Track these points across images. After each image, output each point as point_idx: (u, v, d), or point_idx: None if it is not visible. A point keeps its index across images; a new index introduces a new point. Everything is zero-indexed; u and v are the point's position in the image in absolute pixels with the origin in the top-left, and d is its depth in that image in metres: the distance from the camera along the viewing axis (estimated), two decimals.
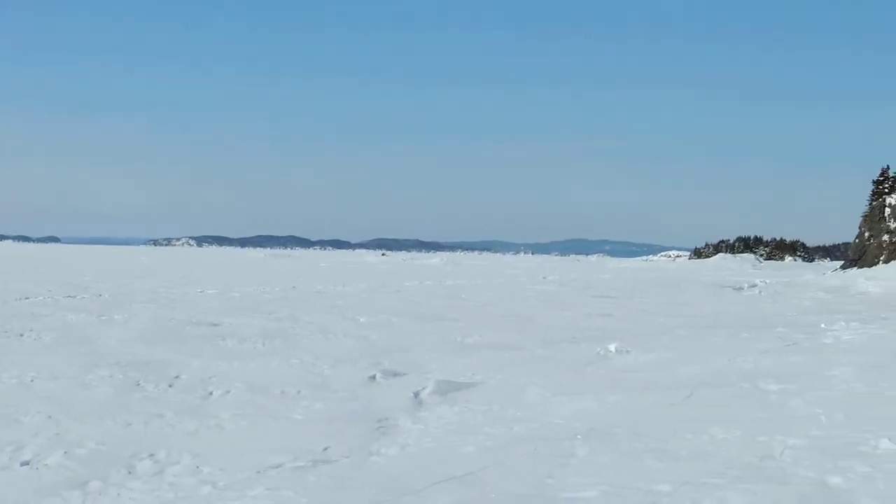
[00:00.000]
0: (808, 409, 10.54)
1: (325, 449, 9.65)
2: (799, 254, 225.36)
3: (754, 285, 54.30)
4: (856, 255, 71.69)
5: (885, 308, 31.26)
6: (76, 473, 8.71)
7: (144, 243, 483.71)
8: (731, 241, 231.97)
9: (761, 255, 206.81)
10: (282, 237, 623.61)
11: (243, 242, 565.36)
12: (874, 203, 71.63)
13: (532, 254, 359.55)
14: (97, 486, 8.33)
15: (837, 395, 11.46)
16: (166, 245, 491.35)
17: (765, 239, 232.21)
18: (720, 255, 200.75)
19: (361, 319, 24.85)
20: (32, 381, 13.57)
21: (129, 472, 8.78)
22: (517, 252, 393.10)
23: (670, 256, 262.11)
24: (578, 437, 9.57)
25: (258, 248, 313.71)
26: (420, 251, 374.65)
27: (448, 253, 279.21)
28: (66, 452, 9.42)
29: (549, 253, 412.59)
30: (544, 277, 64.31)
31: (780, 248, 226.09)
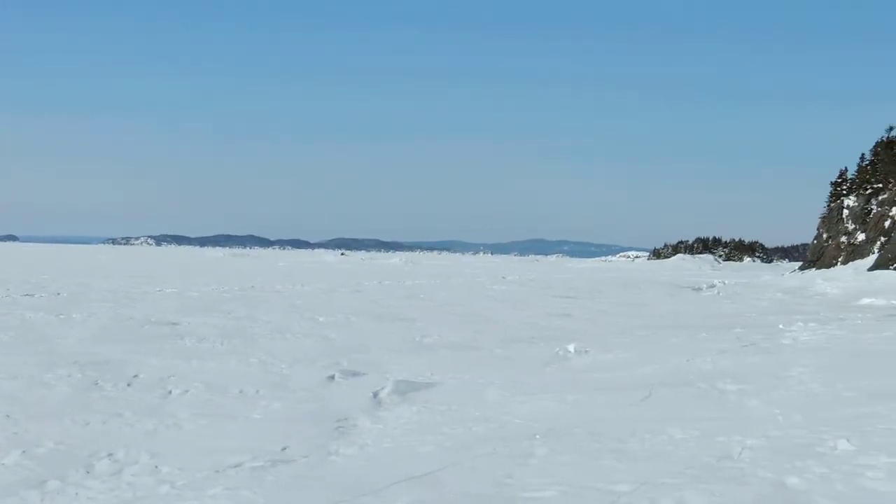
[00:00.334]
0: (766, 410, 10.62)
1: (284, 449, 9.62)
2: (758, 255, 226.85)
3: (713, 286, 54.75)
4: (814, 257, 72.48)
5: (843, 309, 31.52)
6: (34, 473, 8.62)
7: (103, 242, 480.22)
8: (690, 242, 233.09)
9: (720, 256, 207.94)
10: (241, 236, 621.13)
11: (202, 242, 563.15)
12: (832, 205, 72.41)
13: (492, 254, 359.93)
14: (55, 485, 8.26)
15: (795, 395, 11.56)
16: (125, 244, 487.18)
17: (724, 240, 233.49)
18: (679, 255, 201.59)
19: (320, 319, 24.79)
20: None
21: (88, 472, 8.71)
22: (477, 252, 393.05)
23: (629, 257, 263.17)
24: (537, 437, 9.58)
25: (217, 248, 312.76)
26: (380, 251, 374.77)
27: (408, 253, 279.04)
28: (24, 452, 9.32)
29: (508, 253, 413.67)
30: (504, 277, 64.46)
31: (738, 249, 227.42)
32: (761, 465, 7.84)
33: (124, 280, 44.70)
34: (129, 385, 13.44)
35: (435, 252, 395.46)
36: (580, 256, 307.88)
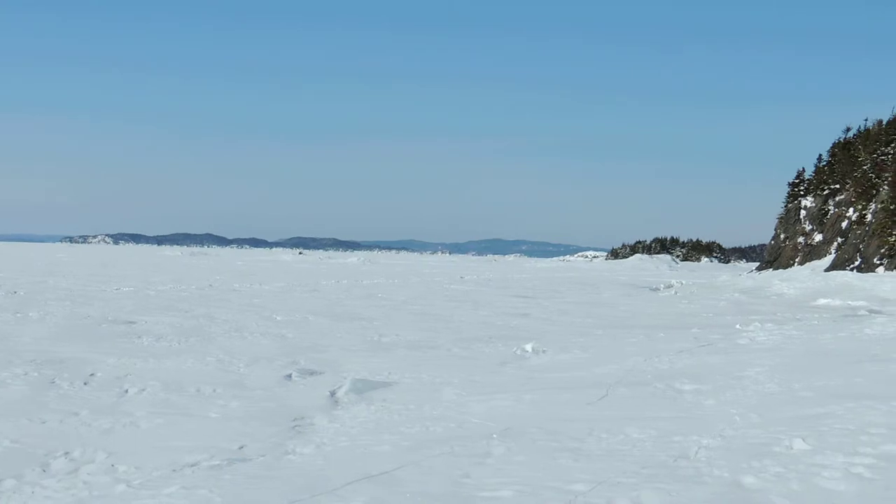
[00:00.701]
0: (723, 409, 10.69)
1: (241, 447, 9.59)
2: (715, 255, 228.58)
3: (670, 286, 55.06)
4: (771, 257, 72.97)
5: (800, 309, 31.78)
6: None
7: (60, 240, 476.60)
8: (648, 242, 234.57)
9: (678, 256, 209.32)
10: (199, 235, 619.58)
11: (160, 240, 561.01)
12: (790, 205, 72.90)
13: (450, 253, 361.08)
14: (11, 484, 8.20)
15: (751, 395, 11.64)
16: (83, 242, 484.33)
17: (681, 240, 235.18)
18: (637, 255, 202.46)
19: (278, 318, 24.74)
20: None
21: (44, 471, 8.65)
22: (435, 252, 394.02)
23: (587, 257, 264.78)
24: (495, 436, 9.60)
25: (175, 246, 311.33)
26: (337, 250, 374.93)
27: (365, 252, 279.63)
28: None
29: (466, 253, 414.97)
30: (462, 277, 64.57)
31: (696, 249, 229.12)
32: (717, 465, 7.89)
33: (82, 278, 44.40)
34: (85, 384, 13.36)
35: (393, 251, 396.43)
36: (538, 256, 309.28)
